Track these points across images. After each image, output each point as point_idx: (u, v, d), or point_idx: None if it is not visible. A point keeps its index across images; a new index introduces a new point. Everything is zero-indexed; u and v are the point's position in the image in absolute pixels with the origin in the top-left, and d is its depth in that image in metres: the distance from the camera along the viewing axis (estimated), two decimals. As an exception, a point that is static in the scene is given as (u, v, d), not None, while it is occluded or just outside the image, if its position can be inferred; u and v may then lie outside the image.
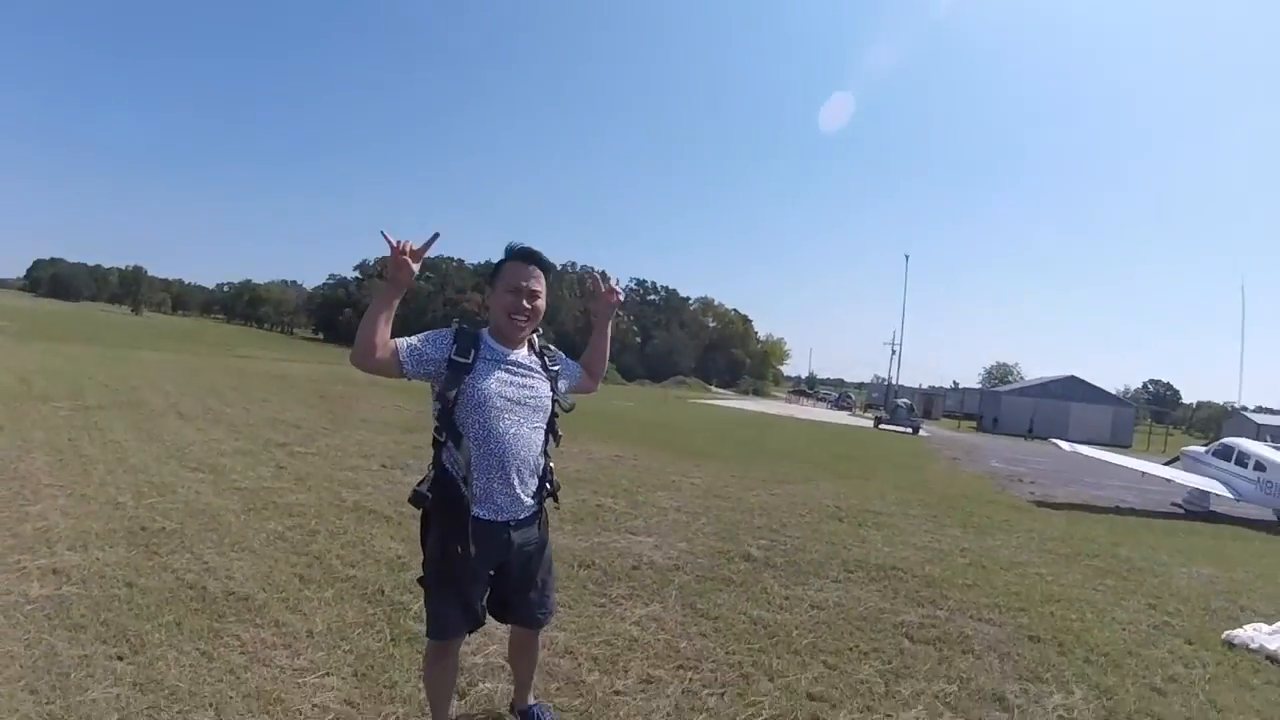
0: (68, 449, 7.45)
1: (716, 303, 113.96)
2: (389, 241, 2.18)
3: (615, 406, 26.18)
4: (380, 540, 5.17)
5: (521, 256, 2.46)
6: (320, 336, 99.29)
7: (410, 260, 2.18)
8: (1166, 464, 15.27)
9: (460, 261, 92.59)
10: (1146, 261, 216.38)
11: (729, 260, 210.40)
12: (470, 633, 2.57)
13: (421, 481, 2.42)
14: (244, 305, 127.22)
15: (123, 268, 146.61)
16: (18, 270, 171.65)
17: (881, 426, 37.78)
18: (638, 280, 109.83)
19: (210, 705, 2.82)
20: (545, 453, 2.54)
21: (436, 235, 2.25)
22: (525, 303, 2.41)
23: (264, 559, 4.56)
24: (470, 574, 2.38)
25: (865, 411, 61.05)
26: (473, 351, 2.36)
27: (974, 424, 58.40)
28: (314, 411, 12.98)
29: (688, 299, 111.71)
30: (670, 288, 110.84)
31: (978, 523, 8.76)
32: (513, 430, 2.39)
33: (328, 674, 3.15)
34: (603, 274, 2.76)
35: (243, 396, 14.16)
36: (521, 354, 2.48)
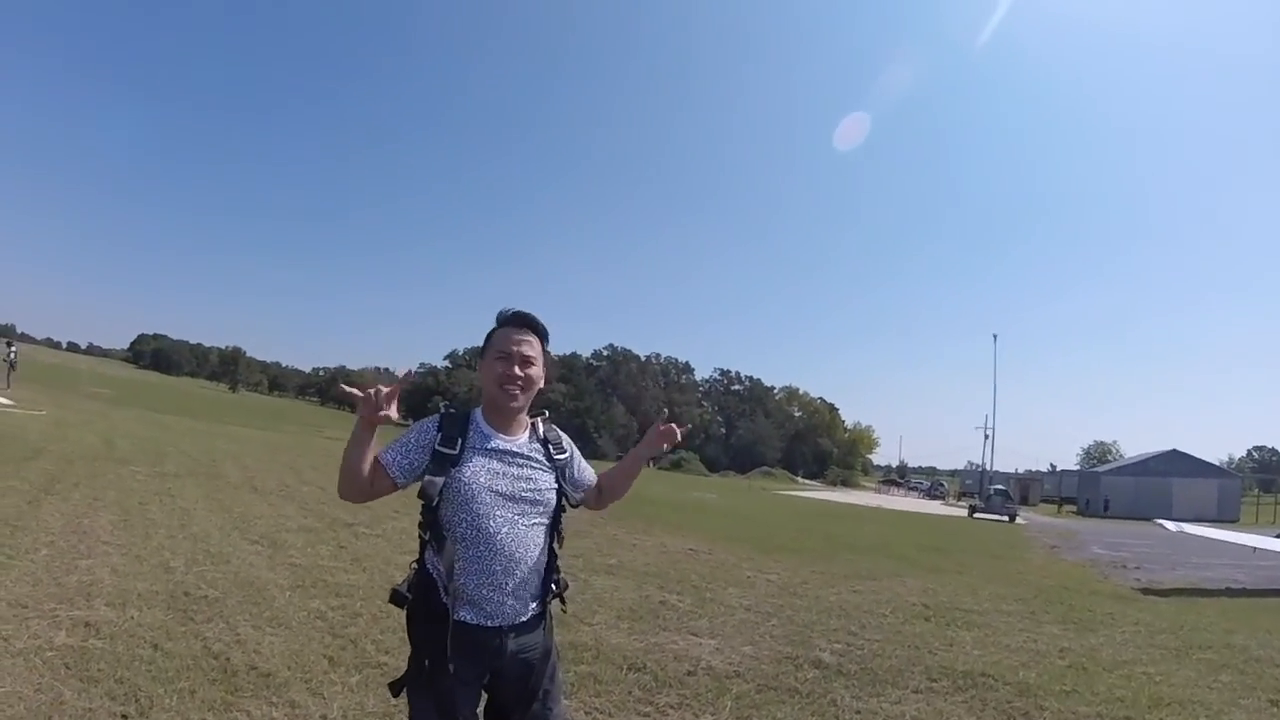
0: (135, 511, 7.67)
1: (801, 391, 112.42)
2: (355, 394, 1.99)
3: (696, 498, 25.51)
4: (422, 626, 4.94)
5: (512, 321, 2.24)
6: (409, 422, 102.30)
7: (386, 406, 1.99)
8: (1278, 536, 14.09)
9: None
10: (1239, 317, 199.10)
11: (813, 347, 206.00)
12: None
13: (404, 580, 2.18)
14: (337, 389, 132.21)
15: (222, 348, 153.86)
16: (121, 342, 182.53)
17: (976, 515, 35.69)
18: (721, 370, 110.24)
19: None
20: (550, 550, 2.23)
21: (409, 373, 2.18)
22: (518, 369, 2.16)
23: (298, 636, 4.41)
24: (450, 684, 2.05)
25: (959, 500, 57.99)
26: (460, 440, 2.12)
27: (1075, 508, 55.04)
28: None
29: (772, 388, 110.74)
30: (754, 377, 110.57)
31: (1079, 617, 7.92)
32: (505, 529, 2.10)
33: (329, 764, 2.89)
34: (674, 419, 2.46)
35: (321, 475, 14.37)
36: (520, 441, 2.22)
